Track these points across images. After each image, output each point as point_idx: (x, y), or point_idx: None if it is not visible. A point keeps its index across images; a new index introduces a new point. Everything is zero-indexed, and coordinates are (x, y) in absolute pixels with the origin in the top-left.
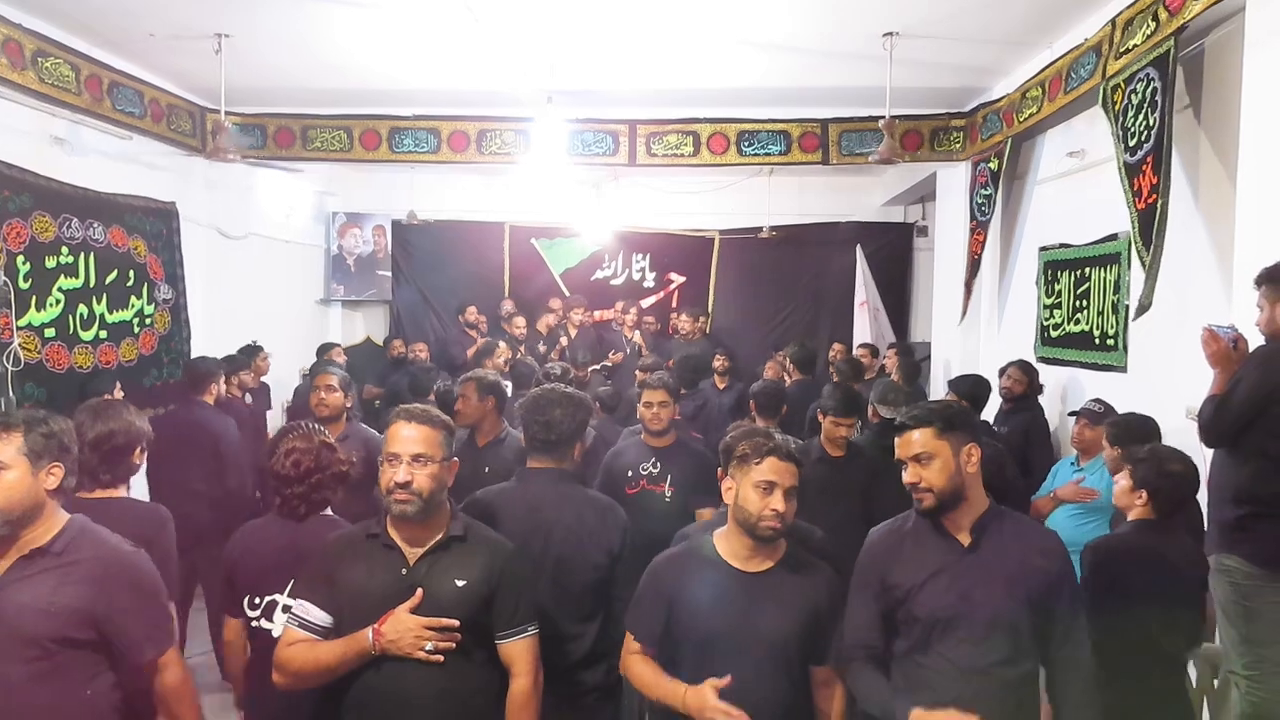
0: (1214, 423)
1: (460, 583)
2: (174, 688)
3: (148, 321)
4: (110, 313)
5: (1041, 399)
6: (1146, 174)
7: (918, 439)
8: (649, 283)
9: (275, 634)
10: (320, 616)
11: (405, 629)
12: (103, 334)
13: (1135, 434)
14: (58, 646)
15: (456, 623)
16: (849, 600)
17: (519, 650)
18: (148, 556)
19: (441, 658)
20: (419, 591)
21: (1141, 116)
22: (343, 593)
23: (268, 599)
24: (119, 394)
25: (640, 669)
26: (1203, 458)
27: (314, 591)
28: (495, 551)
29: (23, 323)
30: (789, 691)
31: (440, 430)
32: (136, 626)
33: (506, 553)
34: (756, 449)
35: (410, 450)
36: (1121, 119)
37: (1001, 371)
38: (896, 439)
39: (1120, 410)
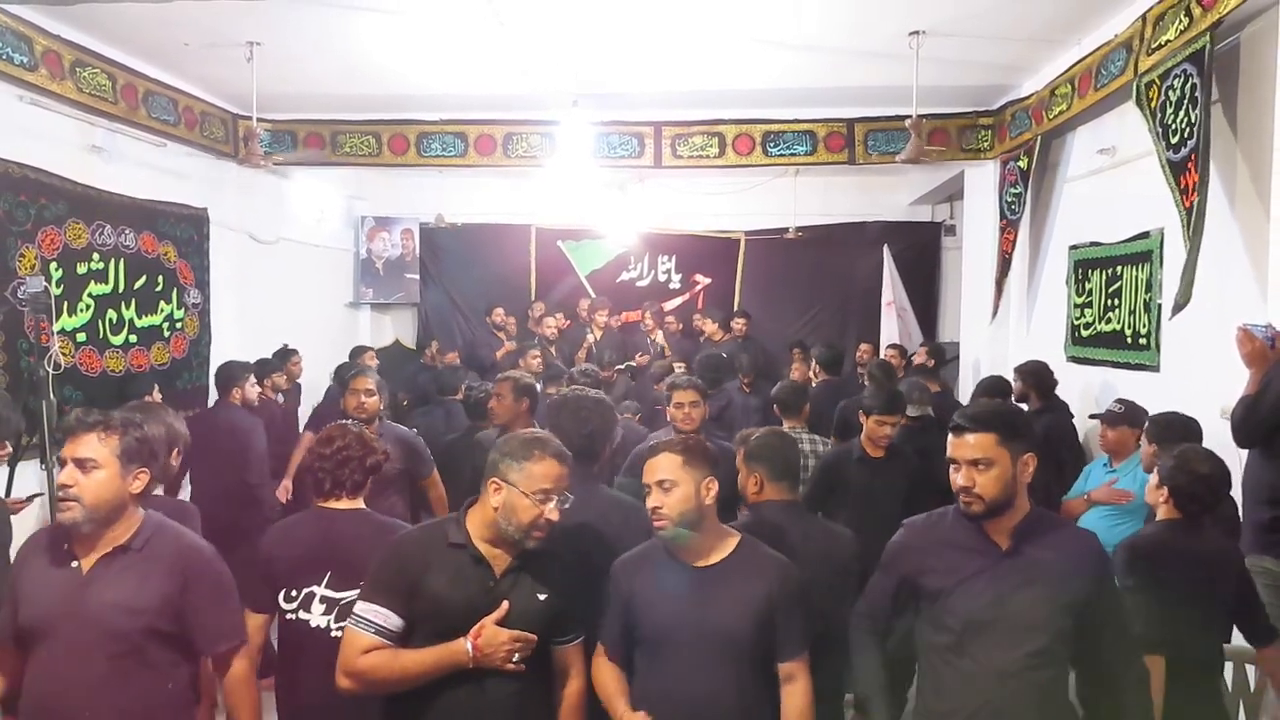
0: (1245, 423)
1: (541, 596)
2: (240, 683)
3: (178, 325)
4: (139, 317)
5: (1071, 399)
6: (1192, 171)
7: (975, 443)
8: (675, 284)
9: (313, 624)
10: (397, 623)
11: (500, 642)
12: (133, 338)
13: (1175, 432)
14: (142, 640)
15: (535, 637)
16: (875, 573)
17: (574, 653)
18: (218, 554)
19: (524, 668)
20: (505, 604)
21: (1182, 113)
22: (425, 600)
23: (305, 591)
24: (157, 396)
25: (601, 678)
26: (1237, 458)
27: (391, 596)
28: (566, 564)
29: (56, 328)
30: (740, 686)
31: None
32: (213, 620)
33: (571, 563)
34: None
35: (562, 487)
36: (1160, 116)
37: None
38: (951, 438)
39: (1150, 410)
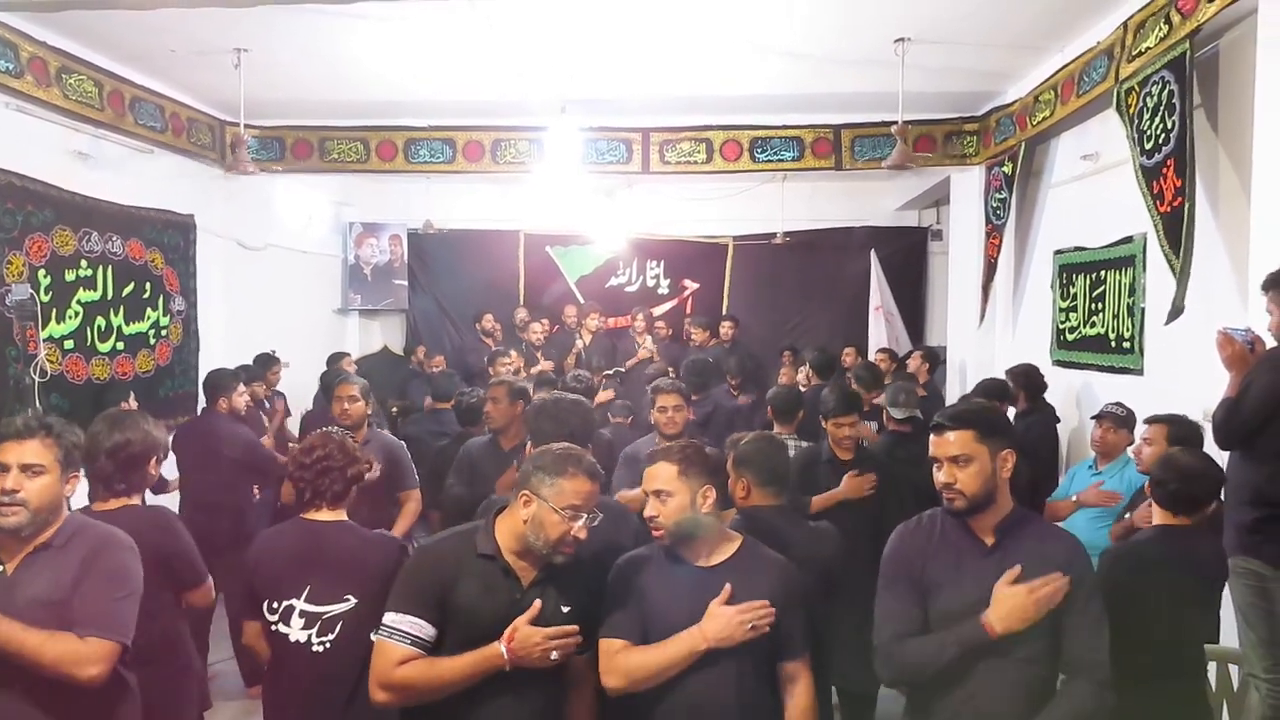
0: (1227, 425)
1: (566, 609)
2: (68, 664)
3: (163, 333)
4: (127, 325)
5: (1055, 403)
6: (1168, 177)
7: (955, 440)
8: (663, 289)
9: (293, 639)
10: (431, 632)
11: (534, 642)
12: (120, 346)
13: (1190, 436)
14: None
15: (576, 627)
16: (878, 599)
17: (588, 662)
18: (138, 553)
19: (564, 659)
20: (537, 603)
21: (1158, 119)
22: (456, 610)
23: (285, 604)
24: (133, 404)
25: (632, 657)
26: (1220, 461)
27: (423, 606)
28: (589, 577)
29: (44, 335)
30: (741, 685)
31: None
32: (92, 603)
33: (594, 575)
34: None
35: (592, 504)
36: (1137, 122)
37: None
38: (933, 437)
39: (1138, 414)
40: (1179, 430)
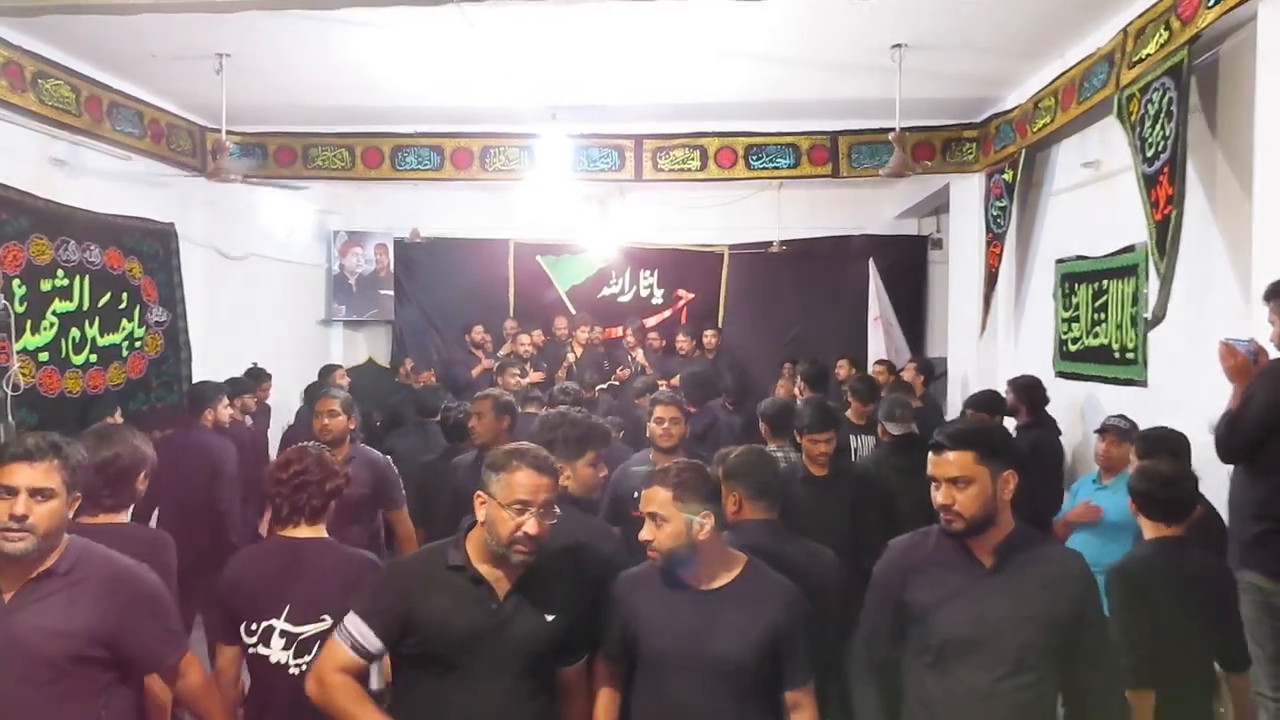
0: (1228, 439)
1: (549, 618)
2: (197, 688)
3: (137, 344)
4: (101, 336)
5: (1059, 415)
6: (1163, 184)
7: (955, 461)
8: (657, 299)
9: (273, 660)
10: (376, 645)
11: None
12: (93, 358)
13: (1163, 448)
14: (71, 666)
15: None
16: (866, 601)
17: (579, 673)
18: (149, 568)
19: None
20: None
21: (1158, 126)
22: (424, 624)
23: (264, 624)
24: (118, 418)
25: (595, 706)
26: (1226, 475)
27: (380, 619)
28: (571, 584)
29: (18, 347)
30: (741, 713)
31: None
32: (151, 637)
33: (577, 583)
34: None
35: (541, 499)
36: (1139, 129)
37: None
38: (931, 456)
39: (1142, 425)
40: (1145, 445)
